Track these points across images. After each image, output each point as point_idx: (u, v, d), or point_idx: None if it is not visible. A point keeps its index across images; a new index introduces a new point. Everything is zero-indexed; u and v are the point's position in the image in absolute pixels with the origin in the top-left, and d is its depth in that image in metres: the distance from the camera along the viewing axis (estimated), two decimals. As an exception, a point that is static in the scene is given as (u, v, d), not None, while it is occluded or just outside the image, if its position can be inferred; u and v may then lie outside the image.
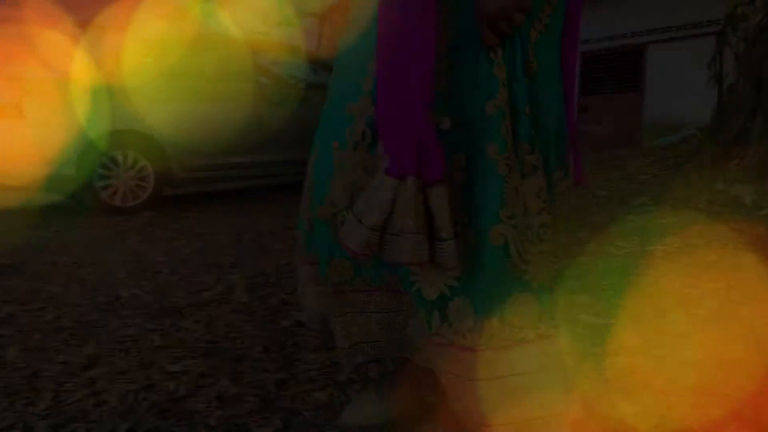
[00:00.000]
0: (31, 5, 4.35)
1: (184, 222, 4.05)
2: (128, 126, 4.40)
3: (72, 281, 2.46)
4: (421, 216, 0.86)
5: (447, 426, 1.14)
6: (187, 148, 4.64)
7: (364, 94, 0.95)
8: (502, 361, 0.89)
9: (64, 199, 5.37)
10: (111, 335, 1.78)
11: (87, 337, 1.77)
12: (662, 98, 8.99)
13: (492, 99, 0.89)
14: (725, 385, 1.30)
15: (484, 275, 0.90)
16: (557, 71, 1.01)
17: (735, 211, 3.14)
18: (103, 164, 4.35)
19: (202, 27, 5.33)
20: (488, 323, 0.89)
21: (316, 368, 1.49)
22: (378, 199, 0.87)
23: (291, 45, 5.76)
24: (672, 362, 1.45)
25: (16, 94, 4.10)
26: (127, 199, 4.46)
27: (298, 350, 1.62)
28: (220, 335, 1.75)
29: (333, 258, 1.02)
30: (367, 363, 1.42)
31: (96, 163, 4.30)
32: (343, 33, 1.07)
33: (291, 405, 1.30)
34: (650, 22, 9.13)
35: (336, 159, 0.98)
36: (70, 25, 4.42)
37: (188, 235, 3.50)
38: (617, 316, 1.80)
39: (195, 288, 2.29)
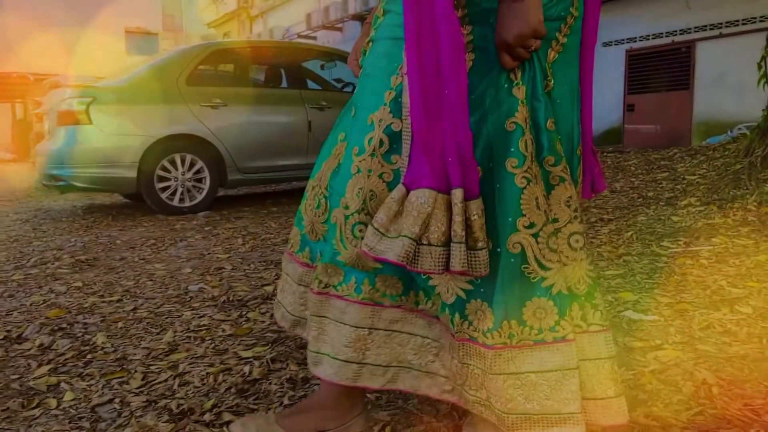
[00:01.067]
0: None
1: (239, 222, 4.25)
2: (186, 130, 4.63)
3: (142, 276, 2.66)
4: (464, 226, 0.92)
5: None
6: (241, 150, 4.85)
7: (385, 104, 1.01)
8: (521, 359, 0.96)
9: (126, 200, 5.68)
10: (185, 325, 1.95)
11: (164, 326, 1.94)
12: (712, 97, 8.78)
13: (511, 117, 0.96)
14: (767, 378, 1.36)
15: (501, 281, 0.96)
16: (575, 86, 1.08)
17: (786, 211, 3.11)
18: (162, 167, 4.59)
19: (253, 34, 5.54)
20: (507, 324, 0.96)
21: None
22: (417, 210, 0.91)
23: (336, 49, 5.92)
24: (715, 357, 1.51)
25: (85, 101, 4.38)
26: (184, 200, 4.70)
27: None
28: (284, 326, 1.89)
29: (330, 261, 1.05)
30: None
31: (156, 166, 4.55)
32: (366, 44, 1.13)
33: (355, 388, 1.42)
34: (699, 19, 8.93)
35: (354, 164, 1.02)
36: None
37: (244, 234, 3.69)
38: (663, 313, 1.86)
39: (257, 283, 2.45)
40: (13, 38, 18.86)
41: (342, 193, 1.03)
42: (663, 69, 9.54)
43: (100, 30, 21.50)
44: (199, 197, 4.75)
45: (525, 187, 0.95)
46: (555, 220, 1.00)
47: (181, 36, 32.24)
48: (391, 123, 0.99)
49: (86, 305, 2.20)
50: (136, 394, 1.43)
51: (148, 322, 1.99)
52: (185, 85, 4.73)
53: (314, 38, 17.87)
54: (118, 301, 2.26)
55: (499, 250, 0.96)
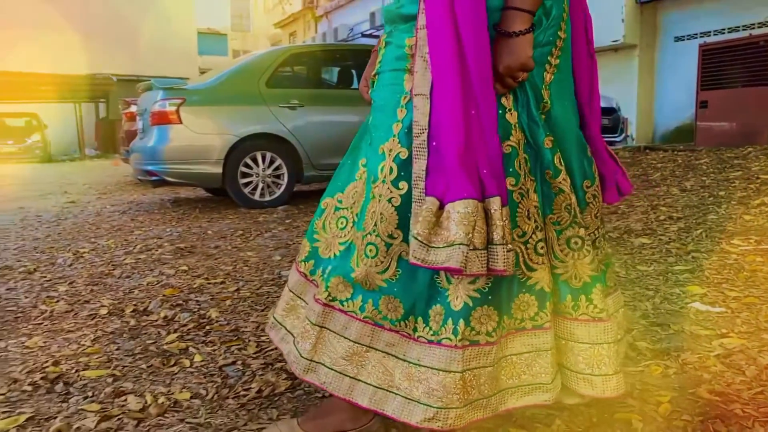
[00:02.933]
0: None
1: (315, 215, 4.51)
2: (266, 129, 4.95)
3: (238, 262, 2.94)
4: (504, 230, 1.03)
5: None
6: (316, 148, 5.12)
7: (394, 136, 1.09)
8: (508, 345, 1.12)
9: (209, 194, 6.08)
10: (284, 304, 2.19)
11: (266, 305, 2.20)
12: (793, 92, 8.42)
13: (506, 140, 1.08)
14: (829, 364, 1.46)
15: (499, 284, 1.07)
16: (572, 99, 1.21)
17: None
18: (245, 163, 4.93)
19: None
20: (503, 320, 1.09)
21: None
22: (465, 219, 0.99)
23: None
24: (780, 345, 1.61)
25: (176, 102, 4.76)
26: (264, 195, 5.02)
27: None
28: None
29: (343, 277, 1.12)
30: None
31: (239, 163, 4.89)
32: (374, 75, 1.24)
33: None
34: (780, 12, 8.58)
35: (371, 191, 1.11)
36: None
37: (322, 227, 3.94)
38: (730, 305, 1.95)
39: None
40: (87, 41, 20.06)
41: (363, 218, 1.12)
42: (739, 64, 9.21)
43: (173, 31, 22.51)
44: (278, 192, 5.06)
45: (520, 202, 1.09)
46: (557, 223, 1.14)
47: (249, 36, 33.30)
48: (400, 152, 1.08)
49: (195, 286, 2.50)
50: (254, 358, 1.68)
51: (252, 301, 2.25)
52: (265, 87, 5.05)
53: (378, 36, 18.13)
54: (222, 283, 2.54)
55: None
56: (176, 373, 1.61)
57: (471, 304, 1.05)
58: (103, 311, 2.17)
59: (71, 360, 1.71)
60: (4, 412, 1.40)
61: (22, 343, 1.88)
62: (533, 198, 1.11)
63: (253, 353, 1.72)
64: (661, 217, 3.51)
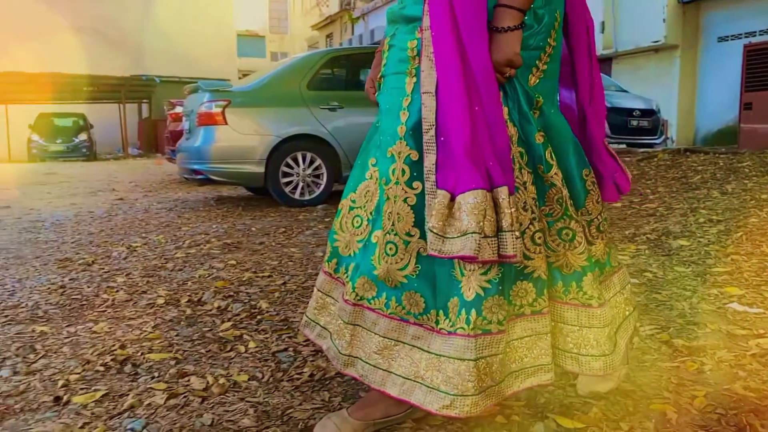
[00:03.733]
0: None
1: (354, 214, 4.62)
2: (307, 130, 5.09)
3: (283, 257, 3.07)
4: (512, 217, 1.08)
5: None
6: (354, 149, 5.24)
7: (401, 138, 1.15)
8: (510, 330, 1.16)
9: (250, 192, 6.26)
10: (329, 297, 2.30)
11: (312, 298, 2.30)
12: (843, 94, 8.17)
13: None
14: None
15: (505, 271, 1.12)
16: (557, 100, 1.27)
17: None
18: (286, 163, 5.07)
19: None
20: (506, 307, 1.13)
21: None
22: (475, 209, 1.05)
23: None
24: (817, 345, 1.64)
25: (222, 104, 4.94)
26: (304, 194, 5.16)
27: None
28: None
29: (367, 276, 1.19)
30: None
31: (281, 163, 5.04)
32: (379, 78, 1.30)
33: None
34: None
35: (384, 192, 1.17)
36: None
37: (361, 225, 4.05)
38: (768, 307, 1.97)
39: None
40: (130, 44, 20.65)
41: (381, 218, 1.18)
42: (786, 65, 8.97)
43: (213, 33, 23.01)
44: (317, 191, 5.19)
45: (516, 194, 1.13)
46: (550, 214, 1.20)
47: (286, 38, 33.78)
48: (410, 153, 1.14)
49: (244, 279, 2.63)
50: (305, 346, 1.79)
51: (298, 294, 2.36)
52: (306, 90, 5.19)
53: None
54: (269, 276, 2.67)
55: None
56: (233, 358, 1.73)
57: (483, 294, 1.10)
58: (161, 301, 2.32)
59: (136, 344, 1.85)
60: (82, 389, 1.53)
61: (90, 328, 2.03)
62: (531, 190, 1.16)
63: (303, 341, 1.82)
64: (700, 219, 3.50)
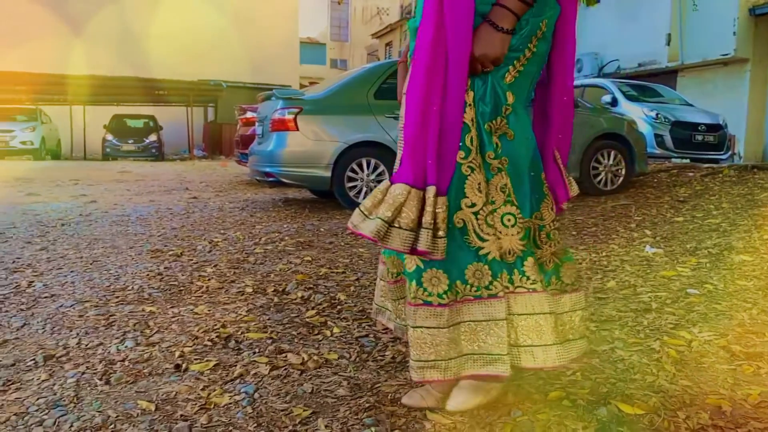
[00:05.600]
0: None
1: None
2: (372, 138, 5.32)
3: (353, 256, 3.29)
4: (432, 216, 1.18)
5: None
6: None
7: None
8: (464, 310, 1.24)
9: (314, 195, 6.55)
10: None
11: (386, 293, 2.50)
12: None
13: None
14: None
15: (450, 250, 1.22)
16: (530, 104, 1.36)
17: None
18: (351, 168, 5.32)
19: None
20: (455, 285, 1.23)
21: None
22: (393, 199, 1.18)
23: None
24: None
25: (294, 111, 5.23)
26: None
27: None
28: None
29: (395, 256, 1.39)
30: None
31: (346, 168, 5.29)
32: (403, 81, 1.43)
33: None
34: None
35: None
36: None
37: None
38: (828, 321, 2.04)
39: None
40: (197, 49, 21.54)
41: None
42: None
43: (277, 41, 23.73)
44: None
45: (469, 175, 1.25)
46: (492, 202, 1.27)
47: (346, 46, 34.42)
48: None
49: (320, 274, 2.86)
50: (384, 333, 1.99)
51: (372, 289, 2.57)
52: (373, 99, 5.43)
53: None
54: (343, 272, 2.89)
55: (448, 224, 1.23)
56: (321, 340, 1.94)
57: (422, 266, 1.24)
58: (249, 289, 2.57)
59: (234, 325, 2.09)
60: (196, 359, 1.78)
61: (191, 310, 2.29)
62: (483, 173, 1.26)
63: (382, 329, 2.02)
64: (765, 236, 3.51)
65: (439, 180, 1.21)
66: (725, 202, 4.88)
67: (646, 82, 10.85)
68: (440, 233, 1.19)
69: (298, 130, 5.24)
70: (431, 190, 1.19)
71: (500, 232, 1.27)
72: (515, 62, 1.28)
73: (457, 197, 1.24)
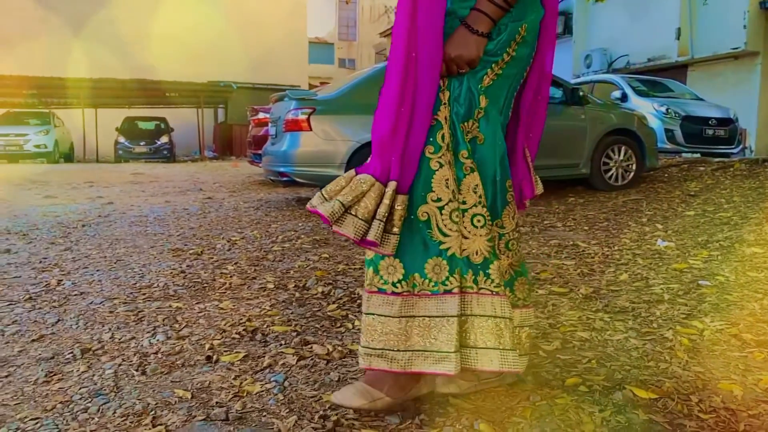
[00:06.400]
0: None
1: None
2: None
3: (370, 253, 3.36)
4: (387, 210, 1.22)
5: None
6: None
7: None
8: (420, 305, 1.26)
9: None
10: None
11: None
12: None
13: (434, 114, 1.27)
14: None
15: (411, 241, 1.25)
16: (504, 107, 1.36)
17: None
18: (364, 167, 5.39)
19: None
20: (412, 276, 1.25)
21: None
22: (355, 186, 1.22)
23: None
24: None
25: (307, 111, 5.32)
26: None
27: (557, 308, 2.22)
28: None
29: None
30: None
31: (358, 165, 5.36)
32: None
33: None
34: None
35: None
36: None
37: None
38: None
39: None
40: (207, 51, 21.69)
41: None
42: None
43: (286, 41, 23.85)
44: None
45: (437, 170, 1.26)
46: (464, 202, 1.28)
47: (354, 45, 34.49)
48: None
49: (339, 270, 2.93)
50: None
51: (390, 284, 2.64)
52: (385, 98, 5.49)
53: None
54: (360, 269, 2.96)
55: (412, 217, 1.27)
56: (343, 332, 2.01)
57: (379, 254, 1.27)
58: (270, 286, 2.65)
59: (259, 319, 2.17)
60: (225, 351, 1.86)
61: (216, 305, 2.37)
62: (453, 170, 1.28)
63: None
64: (777, 229, 3.55)
65: (401, 177, 1.24)
66: (736, 196, 4.91)
67: (656, 77, 10.84)
68: (394, 230, 1.23)
69: (311, 130, 5.31)
70: (391, 185, 1.23)
71: (469, 232, 1.29)
72: (493, 65, 1.31)
73: (423, 191, 1.27)
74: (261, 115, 7.91)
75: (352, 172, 1.27)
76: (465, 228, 1.29)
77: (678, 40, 12.90)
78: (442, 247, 1.26)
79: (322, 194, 1.26)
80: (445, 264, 1.26)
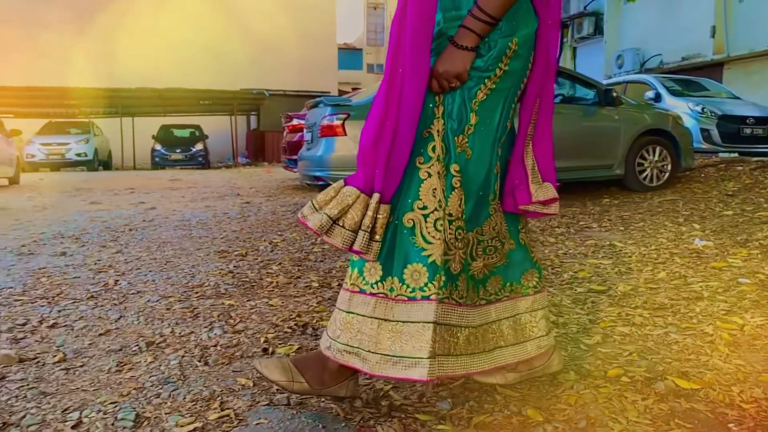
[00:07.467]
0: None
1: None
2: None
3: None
4: (372, 221, 1.27)
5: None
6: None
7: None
8: (396, 309, 1.28)
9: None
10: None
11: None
12: None
13: (426, 127, 1.31)
14: None
15: (396, 247, 1.28)
16: (496, 123, 1.35)
17: None
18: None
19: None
20: (391, 280, 1.28)
21: (614, 315, 2.13)
22: (342, 199, 1.27)
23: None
24: None
25: (342, 117, 5.44)
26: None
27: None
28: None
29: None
30: None
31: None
32: None
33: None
34: None
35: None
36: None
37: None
38: None
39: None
40: (239, 59, 22.09)
41: None
42: None
43: (316, 48, 24.15)
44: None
45: (426, 179, 1.30)
46: (450, 214, 1.31)
47: (382, 51, 34.65)
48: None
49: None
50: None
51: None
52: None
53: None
54: (400, 269, 3.05)
55: (396, 222, 1.31)
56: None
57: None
58: (315, 284, 2.76)
59: (308, 315, 2.28)
60: (280, 343, 1.97)
61: (266, 302, 2.49)
62: (442, 181, 1.31)
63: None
64: (817, 228, 3.52)
65: (384, 189, 1.28)
66: (776, 195, 4.85)
67: (691, 77, 10.69)
68: (377, 237, 1.28)
69: (346, 134, 5.44)
70: (375, 197, 1.28)
71: (452, 245, 1.32)
72: (486, 81, 1.32)
73: (411, 198, 1.30)
74: (295, 122, 8.08)
75: (341, 182, 1.33)
76: (449, 238, 1.32)
77: (713, 38, 12.68)
78: (424, 254, 1.29)
79: (313, 204, 1.33)
80: (425, 270, 1.28)
